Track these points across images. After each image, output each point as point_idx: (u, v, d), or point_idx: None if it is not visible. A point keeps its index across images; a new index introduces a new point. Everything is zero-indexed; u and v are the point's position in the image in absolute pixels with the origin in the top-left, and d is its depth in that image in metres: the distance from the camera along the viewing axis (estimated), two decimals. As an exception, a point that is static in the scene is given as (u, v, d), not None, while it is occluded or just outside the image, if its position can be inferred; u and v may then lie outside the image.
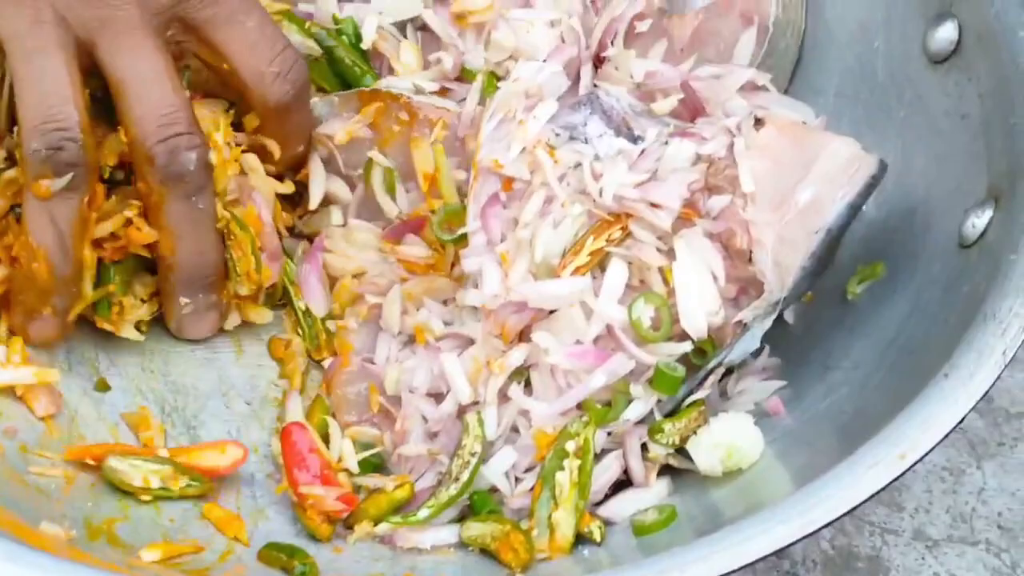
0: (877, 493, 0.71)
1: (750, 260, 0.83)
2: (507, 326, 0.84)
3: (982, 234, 0.82)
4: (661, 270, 0.83)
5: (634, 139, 0.87)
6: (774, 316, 0.84)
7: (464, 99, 0.92)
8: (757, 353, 0.88)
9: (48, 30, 0.82)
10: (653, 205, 0.83)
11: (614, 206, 0.84)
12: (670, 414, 0.84)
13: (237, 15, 0.87)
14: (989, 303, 0.77)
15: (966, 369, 0.74)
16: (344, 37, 0.95)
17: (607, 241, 0.84)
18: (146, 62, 0.84)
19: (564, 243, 0.84)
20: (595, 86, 0.93)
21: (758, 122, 0.86)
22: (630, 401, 0.83)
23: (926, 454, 0.72)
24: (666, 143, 0.86)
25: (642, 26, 0.95)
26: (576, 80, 0.94)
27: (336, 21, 0.96)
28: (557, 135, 0.86)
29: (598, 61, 0.95)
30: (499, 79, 0.92)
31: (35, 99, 0.82)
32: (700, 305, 0.83)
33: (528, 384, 0.85)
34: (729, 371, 0.87)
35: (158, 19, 0.84)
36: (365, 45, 0.96)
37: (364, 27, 0.96)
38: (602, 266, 0.84)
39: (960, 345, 0.75)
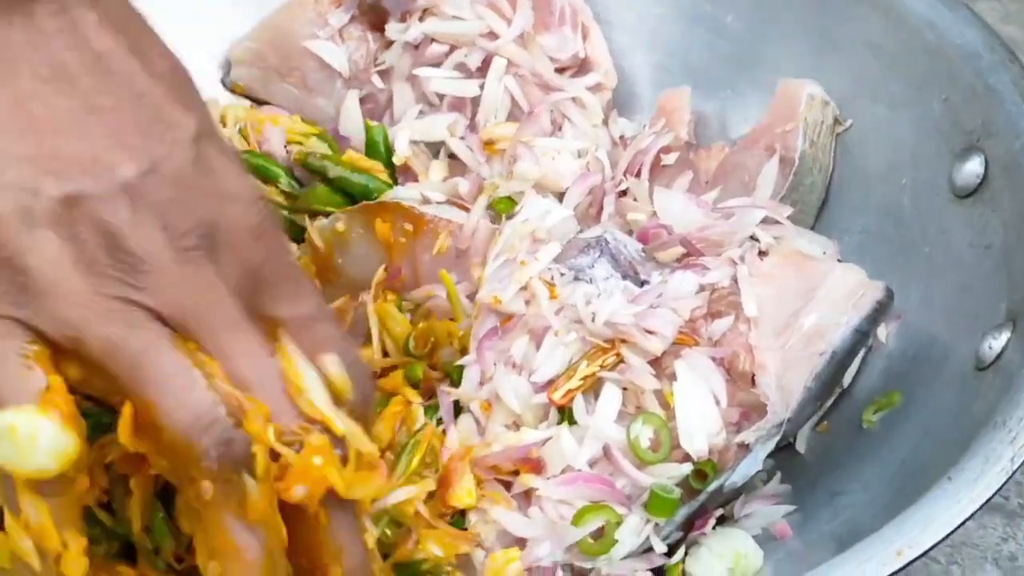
0: (870, 588, 0.68)
1: (753, 383, 0.82)
2: (499, 466, 0.84)
3: (998, 356, 0.80)
4: (659, 393, 0.82)
5: (640, 283, 0.86)
6: (777, 438, 0.82)
7: (479, 215, 0.92)
8: (767, 479, 0.86)
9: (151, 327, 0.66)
10: (647, 331, 0.82)
11: (607, 332, 0.83)
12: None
13: (313, 322, 0.70)
14: (999, 413, 0.75)
15: (971, 472, 0.72)
16: (374, 145, 0.97)
17: (600, 367, 0.83)
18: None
19: (557, 370, 0.84)
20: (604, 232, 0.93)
21: (762, 253, 0.86)
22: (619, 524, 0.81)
23: (924, 553, 0.69)
24: (666, 282, 0.85)
25: (668, 159, 0.95)
26: (599, 210, 0.94)
27: (368, 129, 0.97)
28: (562, 275, 0.86)
29: (622, 193, 0.95)
30: (515, 204, 0.92)
31: (173, 400, 0.64)
32: (701, 426, 0.81)
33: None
34: (736, 494, 0.84)
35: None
36: (397, 160, 0.97)
37: (397, 141, 0.96)
38: (596, 392, 0.83)
39: (967, 452, 0.73)
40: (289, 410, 0.66)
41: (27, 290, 0.63)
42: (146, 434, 0.64)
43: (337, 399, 0.68)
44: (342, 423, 0.67)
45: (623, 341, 0.83)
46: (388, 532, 0.82)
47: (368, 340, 0.90)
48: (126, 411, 0.64)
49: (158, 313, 0.64)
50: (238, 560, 0.65)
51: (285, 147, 0.96)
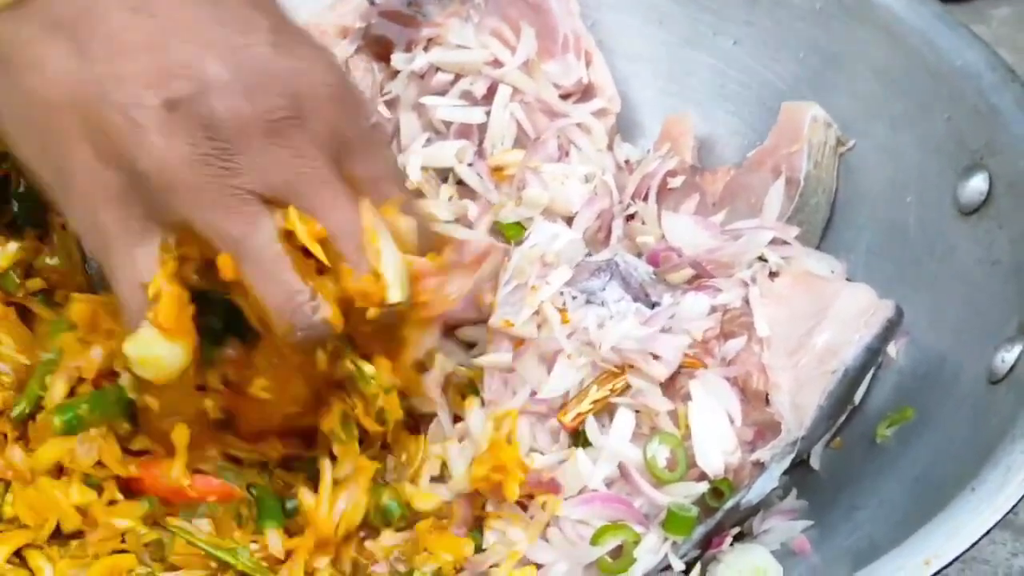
0: (899, 599, 0.68)
1: (767, 402, 0.83)
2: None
3: (1012, 368, 0.81)
4: (673, 414, 0.83)
5: (651, 305, 0.87)
6: (792, 456, 0.83)
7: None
8: (784, 496, 0.86)
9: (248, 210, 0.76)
10: (654, 356, 0.83)
11: (614, 358, 0.84)
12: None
13: (386, 182, 0.81)
14: (1019, 425, 0.76)
15: (993, 483, 0.73)
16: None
17: (611, 391, 0.84)
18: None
19: (568, 393, 0.85)
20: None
21: (772, 274, 0.87)
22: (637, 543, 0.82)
23: (950, 563, 0.70)
24: (677, 303, 0.86)
25: (675, 182, 0.96)
26: (608, 234, 0.95)
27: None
28: (574, 298, 0.87)
29: (630, 216, 0.96)
30: (524, 230, 0.93)
31: (267, 282, 0.76)
32: (717, 445, 0.82)
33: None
34: (753, 511, 0.85)
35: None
36: (408, 185, 0.97)
37: (408, 167, 0.97)
38: (609, 414, 0.84)
39: (987, 463, 0.74)
40: (362, 264, 0.77)
41: (149, 190, 0.73)
42: (238, 289, 0.77)
43: (402, 248, 0.79)
44: (398, 292, 0.78)
45: (630, 366, 0.84)
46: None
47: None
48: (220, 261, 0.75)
49: (254, 191, 0.74)
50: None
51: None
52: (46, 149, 0.75)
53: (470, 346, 0.91)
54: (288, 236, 0.76)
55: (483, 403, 0.87)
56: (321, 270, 0.77)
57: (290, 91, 0.74)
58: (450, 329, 0.90)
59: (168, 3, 0.74)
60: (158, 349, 0.77)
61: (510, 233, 0.92)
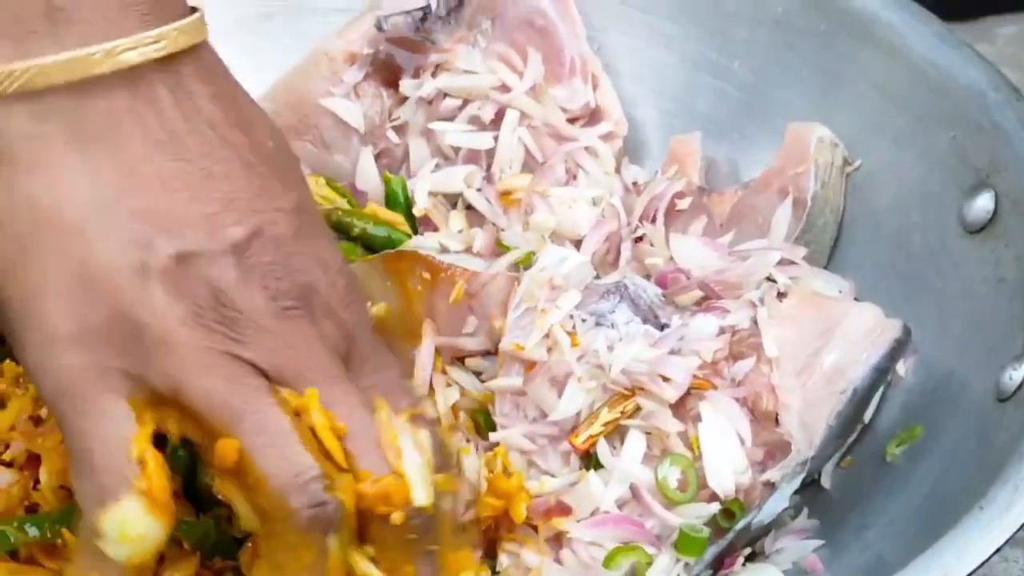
0: (908, 618, 0.69)
1: (776, 422, 0.84)
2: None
3: (1020, 386, 0.81)
4: (683, 435, 0.84)
5: (660, 327, 0.88)
6: (802, 475, 0.84)
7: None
8: (795, 515, 0.87)
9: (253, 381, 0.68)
10: (664, 379, 0.84)
11: (624, 380, 0.84)
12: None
13: (396, 391, 0.74)
14: (1026, 443, 0.76)
15: (1002, 502, 0.73)
16: (393, 196, 0.98)
17: (621, 413, 0.85)
18: None
19: (577, 410, 0.86)
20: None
21: (780, 295, 0.88)
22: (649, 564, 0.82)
23: (960, 583, 0.70)
24: (686, 325, 0.87)
25: (683, 203, 0.97)
26: (616, 256, 0.96)
27: (387, 181, 0.99)
28: (583, 321, 0.88)
29: (639, 239, 0.97)
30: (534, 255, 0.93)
31: (273, 454, 0.66)
32: (727, 465, 0.83)
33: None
34: (764, 531, 0.85)
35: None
36: (417, 212, 0.98)
37: (417, 193, 0.98)
38: (620, 436, 0.85)
39: (996, 482, 0.74)
40: (381, 464, 0.69)
41: (136, 341, 0.66)
42: (232, 477, 0.67)
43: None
44: (423, 494, 0.69)
45: (641, 388, 0.85)
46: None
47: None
48: (221, 445, 0.66)
49: (259, 367, 0.67)
50: None
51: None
52: (20, 260, 0.66)
53: (479, 375, 0.91)
54: (296, 420, 0.67)
55: (495, 427, 0.88)
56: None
57: (302, 283, 0.69)
58: (459, 359, 0.91)
59: (198, 148, 0.67)
60: (142, 526, 0.65)
61: (520, 259, 0.93)
